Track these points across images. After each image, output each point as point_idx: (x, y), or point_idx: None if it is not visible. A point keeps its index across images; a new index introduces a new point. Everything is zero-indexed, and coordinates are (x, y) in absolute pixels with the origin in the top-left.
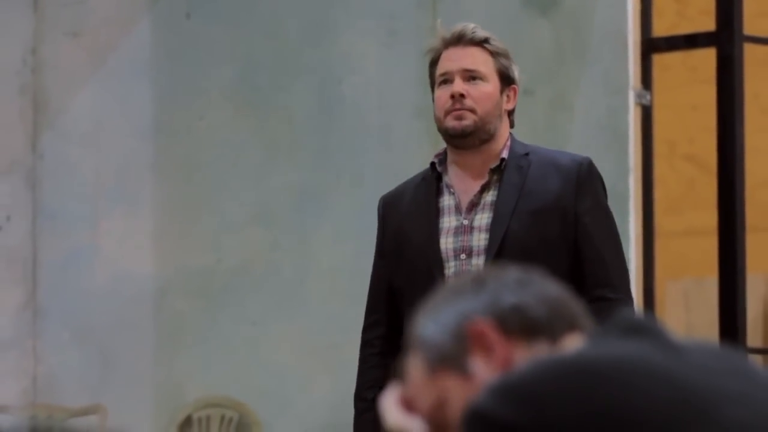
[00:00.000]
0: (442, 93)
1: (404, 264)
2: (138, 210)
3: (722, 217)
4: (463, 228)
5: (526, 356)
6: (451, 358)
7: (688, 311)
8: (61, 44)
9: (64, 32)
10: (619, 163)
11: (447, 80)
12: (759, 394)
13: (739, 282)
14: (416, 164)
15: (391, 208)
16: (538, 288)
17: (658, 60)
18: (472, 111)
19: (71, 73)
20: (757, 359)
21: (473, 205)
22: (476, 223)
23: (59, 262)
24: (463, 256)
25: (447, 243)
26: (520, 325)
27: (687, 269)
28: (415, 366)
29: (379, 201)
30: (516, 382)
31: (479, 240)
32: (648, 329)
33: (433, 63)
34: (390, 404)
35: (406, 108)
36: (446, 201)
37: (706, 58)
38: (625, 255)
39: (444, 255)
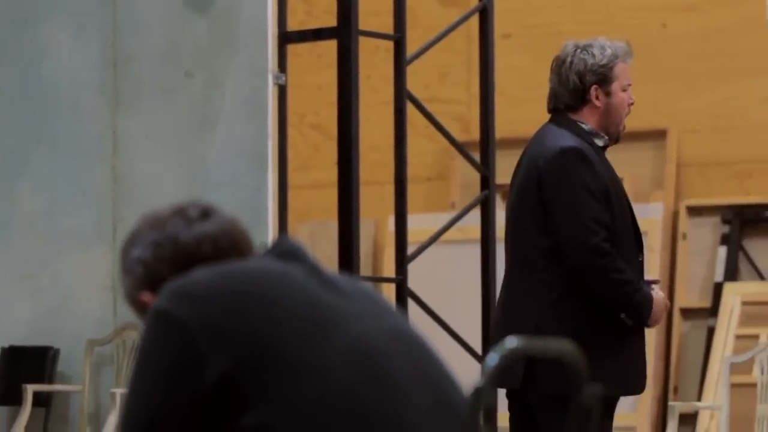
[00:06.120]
0: (627, 98)
1: (616, 215)
2: None
3: (341, 174)
4: None
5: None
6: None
7: (314, 248)
8: None
9: None
10: (260, 131)
11: (627, 90)
12: (373, 312)
13: (354, 225)
14: (99, 131)
15: (594, 160)
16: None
17: (292, 49)
18: None
19: None
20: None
21: None
22: None
23: None
24: None
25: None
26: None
27: (312, 214)
28: None
29: (578, 150)
30: (184, 286)
31: None
32: (297, 254)
33: (610, 67)
34: None
35: (92, 86)
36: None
37: (330, 47)
38: (264, 203)
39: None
